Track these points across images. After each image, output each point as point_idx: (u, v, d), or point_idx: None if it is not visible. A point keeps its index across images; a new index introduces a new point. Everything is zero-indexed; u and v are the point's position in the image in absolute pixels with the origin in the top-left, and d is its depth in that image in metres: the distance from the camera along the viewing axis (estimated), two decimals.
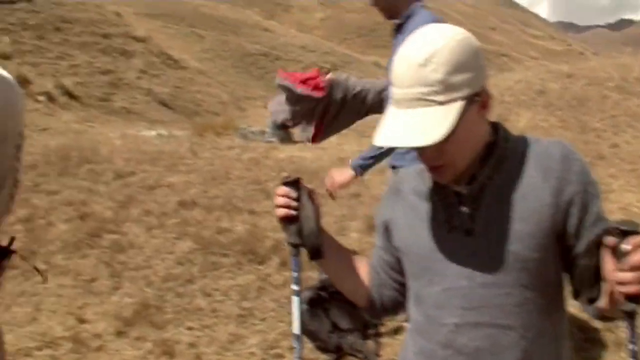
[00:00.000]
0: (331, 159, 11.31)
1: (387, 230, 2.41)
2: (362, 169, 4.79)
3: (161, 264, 7.25)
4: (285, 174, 2.43)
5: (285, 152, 12.18)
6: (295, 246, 2.45)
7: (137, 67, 28.97)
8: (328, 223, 8.08)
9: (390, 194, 2.43)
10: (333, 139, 15.61)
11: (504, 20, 75.32)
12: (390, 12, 4.86)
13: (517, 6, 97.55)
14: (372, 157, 4.72)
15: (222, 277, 6.98)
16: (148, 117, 24.26)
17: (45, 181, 9.85)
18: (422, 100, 1.98)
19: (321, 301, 5.75)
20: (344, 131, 15.89)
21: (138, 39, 31.85)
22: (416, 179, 2.32)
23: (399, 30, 4.79)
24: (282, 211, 2.40)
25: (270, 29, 46.10)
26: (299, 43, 43.33)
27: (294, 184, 2.40)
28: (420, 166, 2.23)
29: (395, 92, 2.06)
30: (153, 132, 15.92)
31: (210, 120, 19.13)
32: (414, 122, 1.98)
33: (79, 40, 29.22)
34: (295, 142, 16.02)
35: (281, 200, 2.40)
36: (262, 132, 16.71)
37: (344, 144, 13.83)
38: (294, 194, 2.39)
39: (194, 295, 6.67)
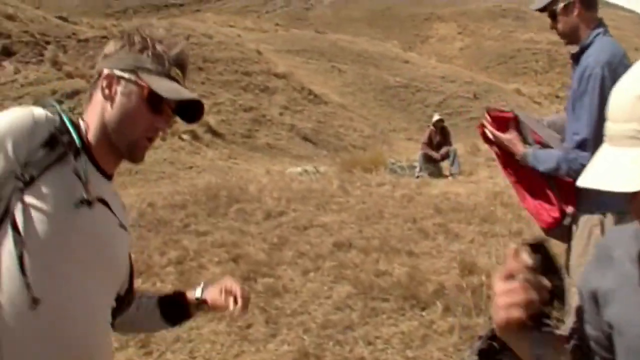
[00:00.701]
0: (487, 194, 10.83)
1: (595, 301, 1.97)
2: (530, 164, 4.23)
3: (319, 309, 6.94)
4: (526, 240, 1.78)
5: (438, 187, 11.77)
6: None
7: (279, 103, 29.20)
8: (491, 264, 7.64)
9: (599, 259, 2.00)
10: (483, 173, 15.20)
11: None
12: (569, 37, 4.34)
13: None
14: (544, 168, 4.16)
15: (383, 324, 6.59)
16: (291, 153, 24.33)
17: (195, 222, 9.77)
18: (638, 139, 1.58)
19: (493, 352, 5.29)
20: (494, 163, 15.43)
21: (279, 76, 32.15)
22: (631, 243, 1.89)
23: (576, 60, 4.27)
24: (532, 305, 1.68)
25: (410, 61, 45.88)
26: (439, 74, 42.93)
27: (539, 249, 1.77)
28: (636, 226, 1.80)
29: (608, 126, 1.68)
30: (298, 169, 15.82)
31: (354, 155, 18.92)
32: (625, 163, 1.58)
33: (222, 79, 29.72)
34: (445, 176, 15.63)
35: (521, 295, 1.69)
36: (411, 167, 16.38)
37: (496, 177, 13.34)
38: (534, 275, 1.66)
39: (355, 343, 6.31)
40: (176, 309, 2.76)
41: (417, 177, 15.15)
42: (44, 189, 2.17)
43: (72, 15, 37.91)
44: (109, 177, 2.44)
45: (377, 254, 8.13)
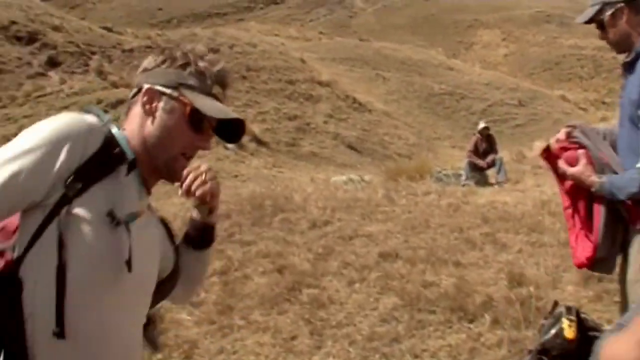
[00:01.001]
0: (534, 203, 10.65)
1: None
2: (608, 194, 3.99)
3: (364, 321, 6.84)
4: None
5: (484, 196, 11.60)
6: None
7: (323, 112, 29.20)
8: (539, 275, 7.50)
9: None
10: (530, 181, 15.01)
11: None
12: (621, 46, 4.17)
13: None
14: (625, 194, 3.93)
15: (430, 337, 6.48)
16: (336, 161, 24.28)
17: (239, 231, 9.73)
18: None
19: None
20: (540, 170, 15.24)
21: (323, 84, 32.17)
22: None
23: (629, 69, 4.10)
24: None
25: (455, 68, 45.65)
26: (483, 80, 42.66)
27: None
28: None
29: None
30: (343, 177, 15.77)
31: (399, 163, 18.82)
32: None
33: (266, 88, 29.82)
34: (491, 184, 15.47)
35: None
36: (457, 175, 16.25)
37: (543, 185, 13.18)
38: None
39: (402, 356, 6.21)
40: (199, 236, 2.58)
41: (463, 185, 15.01)
42: (93, 203, 2.11)
43: (116, 26, 38.32)
44: (149, 192, 2.39)
45: (423, 264, 8.01)
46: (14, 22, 29.66)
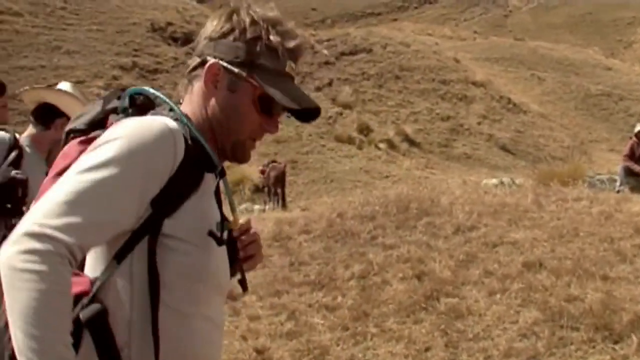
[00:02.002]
0: None
1: None
2: None
3: (502, 335, 6.56)
4: None
5: (639, 204, 11.00)
6: None
7: (477, 113, 28.82)
8: None
9: None
10: None
11: None
12: None
13: None
14: None
15: (571, 356, 6.14)
16: (489, 163, 23.92)
17: (383, 234, 9.59)
18: None
19: None
20: None
21: (477, 84, 31.75)
22: None
23: None
24: None
25: (613, 68, 44.14)
26: None
27: None
28: None
29: None
30: (494, 180, 15.47)
31: (553, 166, 18.24)
32: None
33: (419, 88, 29.69)
34: None
35: None
36: (612, 180, 15.62)
37: None
38: None
39: None
40: None
41: (618, 191, 14.35)
42: (186, 220, 1.93)
43: None
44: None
45: (569, 276, 7.59)
46: (170, 24, 30.58)
